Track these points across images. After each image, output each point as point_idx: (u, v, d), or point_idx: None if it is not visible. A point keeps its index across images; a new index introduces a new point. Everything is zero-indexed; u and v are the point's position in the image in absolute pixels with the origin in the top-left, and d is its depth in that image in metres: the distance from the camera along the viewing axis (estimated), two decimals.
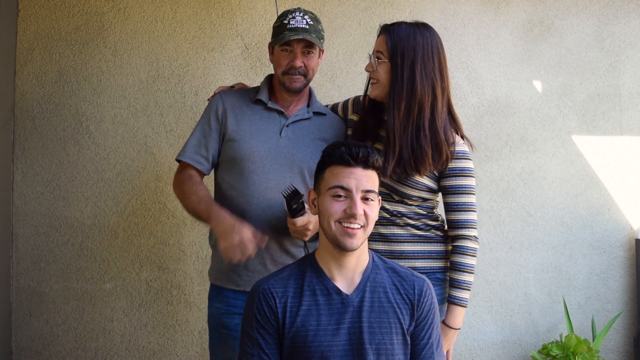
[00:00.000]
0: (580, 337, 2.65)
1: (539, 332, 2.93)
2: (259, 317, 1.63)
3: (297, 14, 2.09)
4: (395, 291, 1.68)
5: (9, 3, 2.80)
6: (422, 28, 1.99)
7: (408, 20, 2.93)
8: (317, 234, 1.78)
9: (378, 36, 2.04)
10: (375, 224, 1.88)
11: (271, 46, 2.16)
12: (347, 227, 1.59)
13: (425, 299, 1.68)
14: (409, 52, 1.94)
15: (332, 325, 1.62)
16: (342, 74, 2.92)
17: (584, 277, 2.95)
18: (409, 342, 1.67)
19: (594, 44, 2.98)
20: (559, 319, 2.91)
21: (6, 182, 2.80)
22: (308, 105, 2.20)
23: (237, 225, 1.92)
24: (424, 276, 1.74)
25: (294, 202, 1.89)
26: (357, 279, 1.67)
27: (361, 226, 1.61)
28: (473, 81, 2.95)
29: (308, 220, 1.91)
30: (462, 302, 1.97)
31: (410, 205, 2.03)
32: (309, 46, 2.07)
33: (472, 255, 1.98)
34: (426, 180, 2.00)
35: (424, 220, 2.04)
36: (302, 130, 2.15)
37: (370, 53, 2.05)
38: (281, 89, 2.13)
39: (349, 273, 1.67)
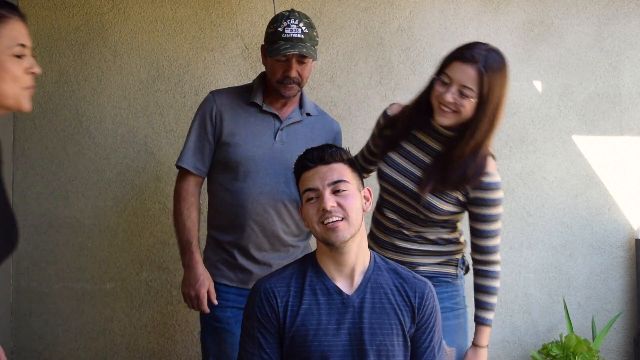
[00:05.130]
0: (580, 337, 2.65)
1: (539, 332, 2.93)
2: (259, 317, 1.63)
3: (292, 20, 2.05)
4: (396, 292, 1.67)
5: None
6: (502, 57, 1.86)
7: (408, 20, 2.94)
8: None
9: (452, 61, 1.84)
10: (392, 237, 1.98)
11: (264, 49, 2.13)
12: (327, 224, 1.60)
13: (427, 303, 1.68)
14: (499, 93, 1.84)
15: (333, 325, 1.62)
16: (342, 74, 2.92)
17: (584, 277, 2.95)
18: (409, 344, 1.67)
19: (594, 44, 2.98)
20: (559, 319, 2.91)
21: (6, 182, 2.79)
22: (300, 107, 2.20)
23: (201, 280, 2.03)
24: (425, 279, 1.75)
25: None
26: (358, 280, 1.67)
27: (341, 218, 1.61)
28: None
29: None
30: (489, 322, 1.99)
31: (433, 227, 2.00)
32: (303, 56, 2.05)
33: (498, 279, 1.98)
34: (450, 207, 1.95)
35: (444, 237, 2.03)
36: (295, 134, 2.15)
37: (445, 79, 1.84)
38: (274, 92, 2.12)
39: (348, 272, 1.67)
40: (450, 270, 2.03)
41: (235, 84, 2.83)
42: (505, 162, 2.94)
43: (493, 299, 1.98)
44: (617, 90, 2.98)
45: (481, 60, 1.79)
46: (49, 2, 2.85)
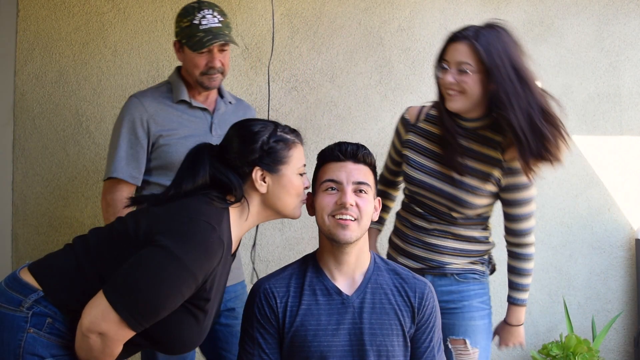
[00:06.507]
0: (580, 337, 2.65)
1: (539, 332, 2.93)
2: (259, 317, 1.63)
3: (206, 11, 2.01)
4: (396, 293, 1.67)
5: (9, 3, 2.80)
6: (496, 26, 1.85)
7: (408, 20, 2.94)
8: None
9: (446, 46, 1.84)
10: (422, 234, 1.94)
11: (178, 44, 2.08)
12: (339, 219, 1.60)
13: (427, 303, 1.68)
14: (505, 53, 1.81)
15: (332, 326, 1.62)
16: (342, 74, 2.92)
17: (584, 277, 2.95)
18: (409, 344, 1.67)
19: (594, 44, 2.98)
20: (559, 319, 2.91)
21: (6, 182, 2.79)
22: (221, 97, 2.17)
23: None
24: (425, 279, 1.75)
25: None
26: (358, 280, 1.67)
27: (354, 219, 1.61)
28: None
29: None
30: (524, 302, 2.01)
31: (466, 224, 1.97)
32: (224, 44, 2.02)
33: (532, 260, 1.98)
34: (483, 200, 1.93)
35: (475, 236, 2.01)
36: (227, 124, 2.09)
37: (444, 64, 1.83)
38: (197, 86, 2.08)
39: (349, 272, 1.67)
40: (477, 267, 2.02)
41: (235, 84, 2.83)
42: None
43: (527, 280, 1.98)
44: (617, 90, 2.98)
45: (471, 35, 1.79)
46: (49, 2, 2.84)
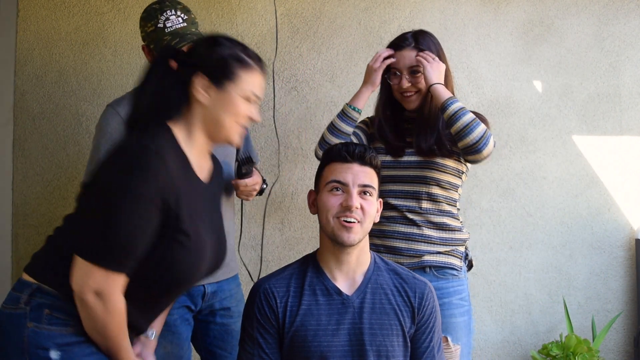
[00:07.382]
0: (580, 337, 2.65)
1: (539, 332, 2.93)
2: (259, 317, 1.63)
3: (169, 12, 1.99)
4: (396, 293, 1.68)
5: (9, 3, 2.80)
6: (429, 34, 2.14)
7: (408, 21, 2.95)
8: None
9: (395, 50, 2.08)
10: (397, 224, 2.01)
11: (147, 48, 2.06)
12: (344, 221, 1.60)
13: (427, 303, 1.68)
14: (435, 49, 2.08)
15: (332, 326, 1.62)
16: (342, 74, 2.92)
17: (584, 277, 2.95)
18: (409, 344, 1.67)
19: (594, 44, 2.98)
20: (559, 319, 2.91)
21: (6, 182, 2.79)
22: None
23: None
24: (425, 279, 1.75)
25: (245, 168, 2.02)
26: (359, 280, 1.68)
27: (358, 221, 1.61)
28: (473, 81, 2.95)
29: (256, 180, 2.06)
30: (453, 100, 1.96)
31: (436, 203, 2.05)
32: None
33: (476, 120, 1.99)
34: (447, 161, 2.07)
35: (447, 223, 2.07)
36: None
37: (396, 72, 2.07)
38: None
39: (349, 272, 1.68)
40: (455, 261, 2.05)
41: None
42: (505, 162, 2.94)
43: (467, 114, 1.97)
44: (617, 90, 2.98)
45: (412, 41, 2.07)
46: (49, 2, 2.84)
